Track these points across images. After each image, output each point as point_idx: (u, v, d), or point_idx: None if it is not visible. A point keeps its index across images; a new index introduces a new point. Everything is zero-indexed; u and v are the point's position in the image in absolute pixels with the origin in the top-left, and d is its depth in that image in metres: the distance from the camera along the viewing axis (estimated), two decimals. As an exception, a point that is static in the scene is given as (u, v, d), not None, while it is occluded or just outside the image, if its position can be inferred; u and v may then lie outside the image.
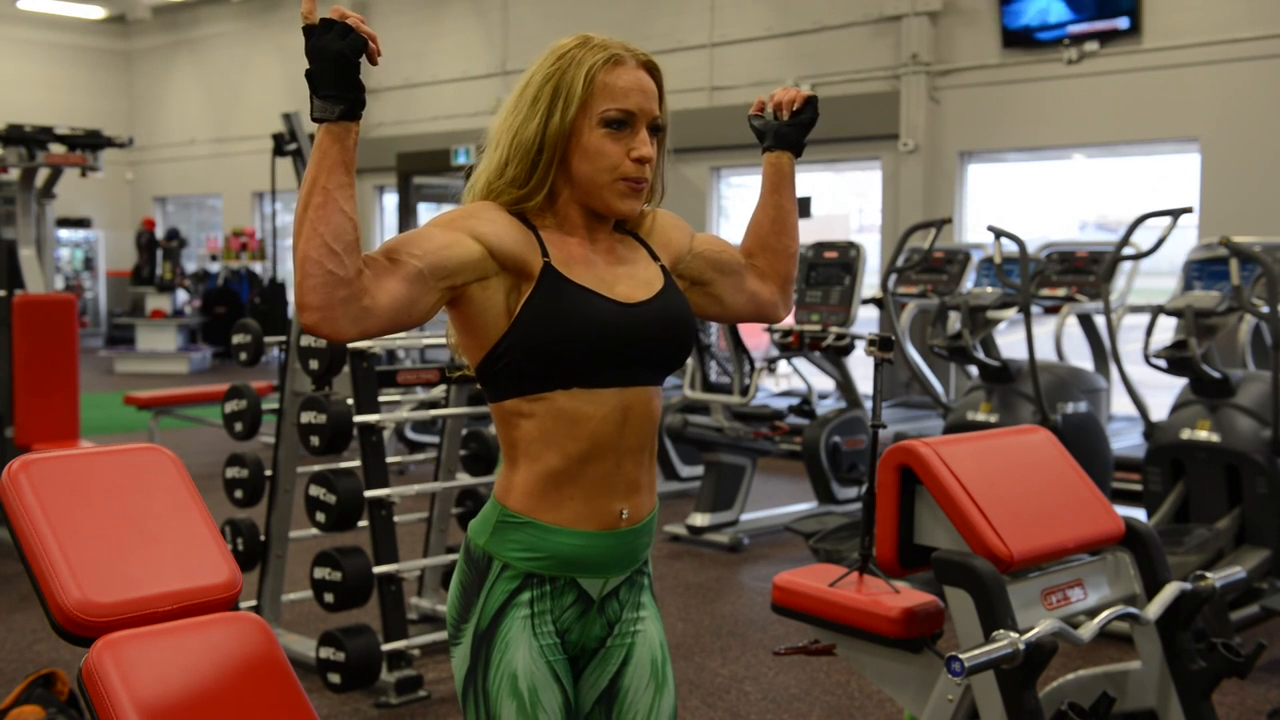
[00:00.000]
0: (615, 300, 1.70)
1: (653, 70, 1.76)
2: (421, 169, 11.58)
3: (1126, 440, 7.00)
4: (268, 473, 4.22)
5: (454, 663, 1.79)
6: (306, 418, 3.84)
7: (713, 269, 1.92)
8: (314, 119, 1.51)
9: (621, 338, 1.69)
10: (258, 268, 15.55)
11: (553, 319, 1.65)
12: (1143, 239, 5.53)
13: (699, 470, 6.87)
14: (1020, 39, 9.67)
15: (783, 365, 7.99)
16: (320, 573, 3.81)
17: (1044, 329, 6.78)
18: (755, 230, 2.01)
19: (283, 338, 4.33)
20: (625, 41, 1.76)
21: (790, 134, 1.99)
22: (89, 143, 6.99)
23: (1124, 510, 2.65)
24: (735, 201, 12.74)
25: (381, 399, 4.14)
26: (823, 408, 7.62)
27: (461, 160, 10.63)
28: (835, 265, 6.47)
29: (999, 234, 5.54)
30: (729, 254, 1.95)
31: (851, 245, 6.55)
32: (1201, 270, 5.55)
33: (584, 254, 1.73)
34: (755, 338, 8.22)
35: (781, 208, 2.01)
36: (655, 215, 1.87)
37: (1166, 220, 5.28)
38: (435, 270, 1.59)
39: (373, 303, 1.53)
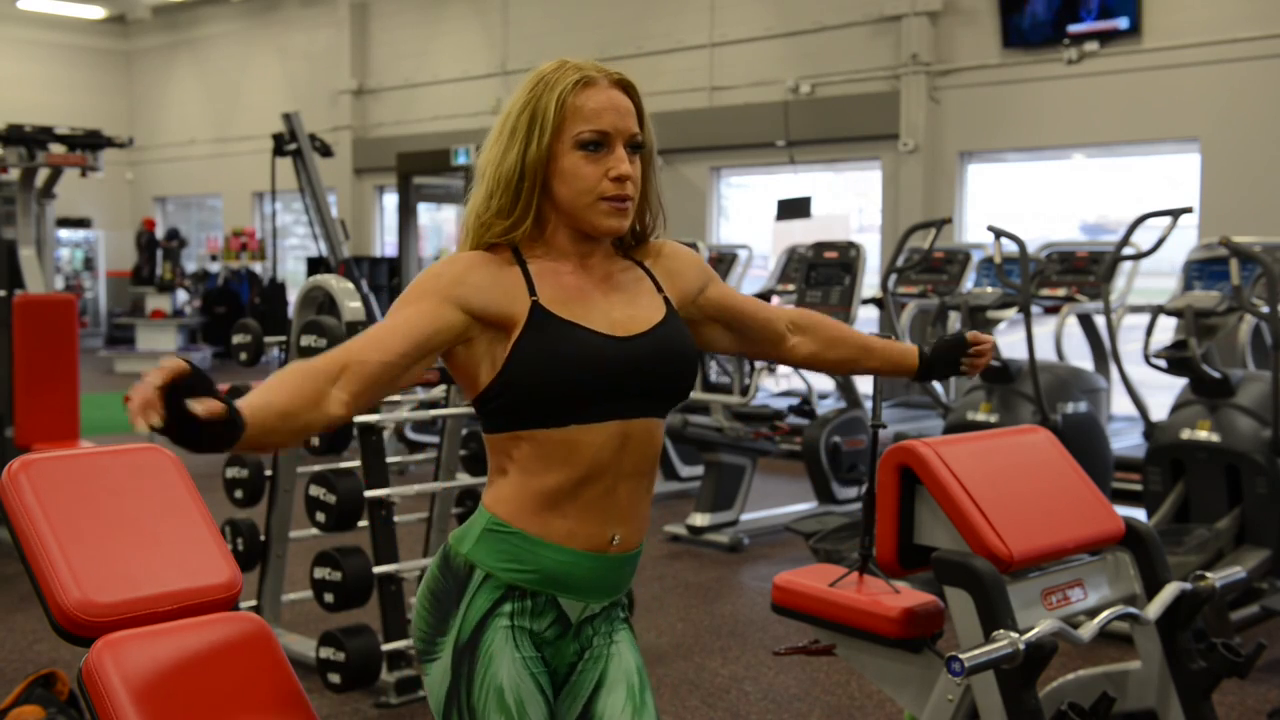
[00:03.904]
0: (607, 334, 1.70)
1: (628, 89, 1.73)
2: (421, 169, 11.56)
3: (1126, 440, 7.00)
4: (268, 473, 4.22)
5: (429, 680, 1.75)
6: (306, 418, 3.83)
7: (715, 318, 1.94)
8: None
9: (614, 373, 1.69)
10: (258, 268, 15.54)
11: (541, 361, 1.66)
12: (1143, 239, 5.53)
13: (699, 470, 6.87)
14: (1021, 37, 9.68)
15: (783, 365, 7.97)
16: (320, 573, 3.81)
17: (1044, 329, 6.78)
18: (838, 347, 2.13)
19: (283, 338, 4.33)
20: (600, 63, 1.74)
21: (948, 369, 2.23)
22: (89, 143, 6.99)
23: (1124, 510, 2.65)
24: (735, 201, 12.74)
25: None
26: (823, 408, 7.62)
27: (461, 160, 10.61)
28: (835, 265, 6.46)
29: (999, 234, 5.54)
30: (751, 313, 1.97)
31: (851, 245, 6.54)
32: (1201, 270, 5.55)
33: (577, 284, 1.73)
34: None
35: (865, 367, 2.20)
36: (663, 246, 1.86)
37: (1166, 220, 5.28)
38: (416, 351, 1.64)
39: (358, 403, 1.61)
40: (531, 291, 1.69)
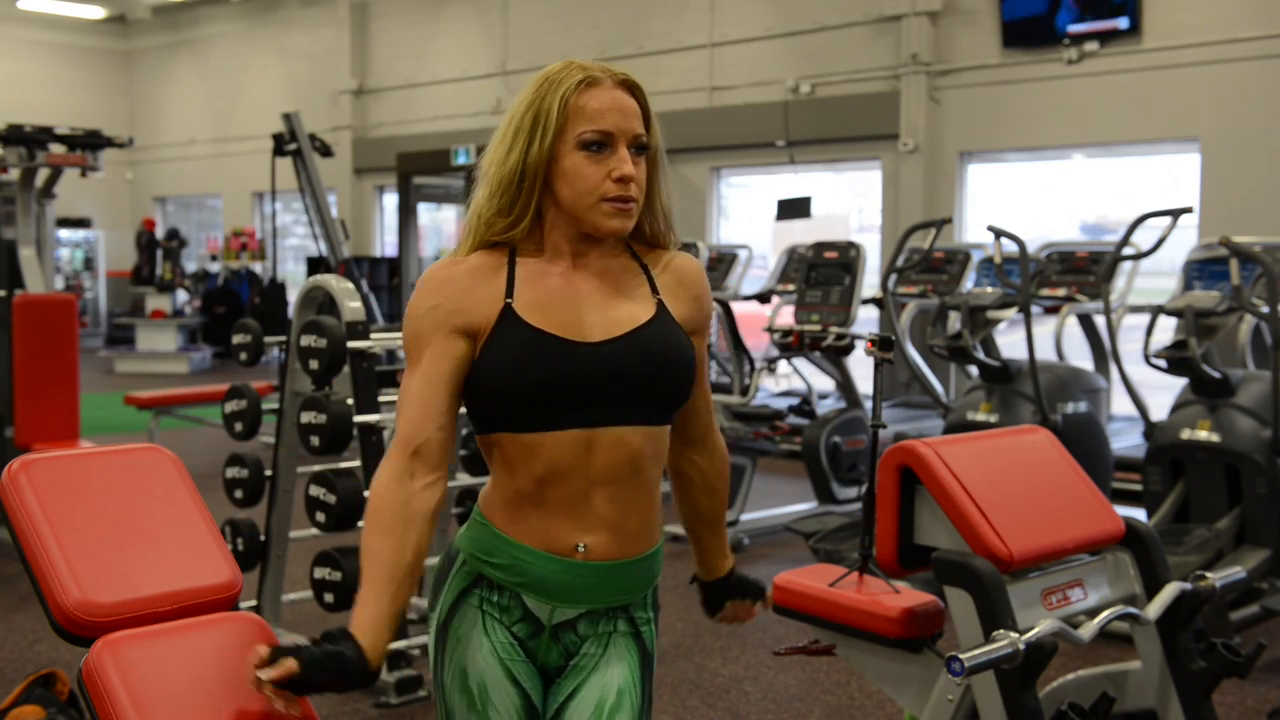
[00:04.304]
0: (577, 341, 1.68)
1: (634, 90, 1.71)
2: (421, 169, 11.56)
3: (1126, 440, 7.00)
4: (268, 473, 4.22)
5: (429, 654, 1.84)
6: (306, 418, 3.84)
7: None
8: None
9: (573, 382, 1.67)
10: (258, 268, 15.55)
11: (498, 368, 1.67)
12: (1143, 239, 5.53)
13: (699, 470, 6.86)
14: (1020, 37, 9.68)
15: (783, 365, 7.98)
16: (320, 573, 3.82)
17: (1044, 329, 6.78)
18: (710, 498, 2.01)
19: (283, 338, 4.33)
20: (607, 64, 1.73)
21: (719, 603, 2.10)
22: (89, 143, 6.99)
23: (1124, 510, 2.64)
24: (735, 201, 12.75)
25: (381, 399, 4.14)
26: (823, 408, 7.62)
27: (461, 160, 10.61)
28: (835, 265, 6.46)
29: (999, 234, 5.54)
30: (698, 396, 1.85)
31: (851, 245, 6.54)
32: (1201, 270, 5.56)
33: (563, 285, 1.71)
34: (755, 337, 8.23)
35: (695, 531, 2.09)
36: (677, 260, 1.80)
37: (1166, 220, 5.28)
38: (455, 395, 1.71)
39: (442, 470, 1.72)
40: (508, 293, 1.69)
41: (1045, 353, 5.91)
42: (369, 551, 1.65)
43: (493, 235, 1.72)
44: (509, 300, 1.69)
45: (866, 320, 8.09)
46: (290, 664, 1.55)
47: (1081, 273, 6.72)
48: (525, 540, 1.71)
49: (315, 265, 11.63)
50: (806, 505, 6.60)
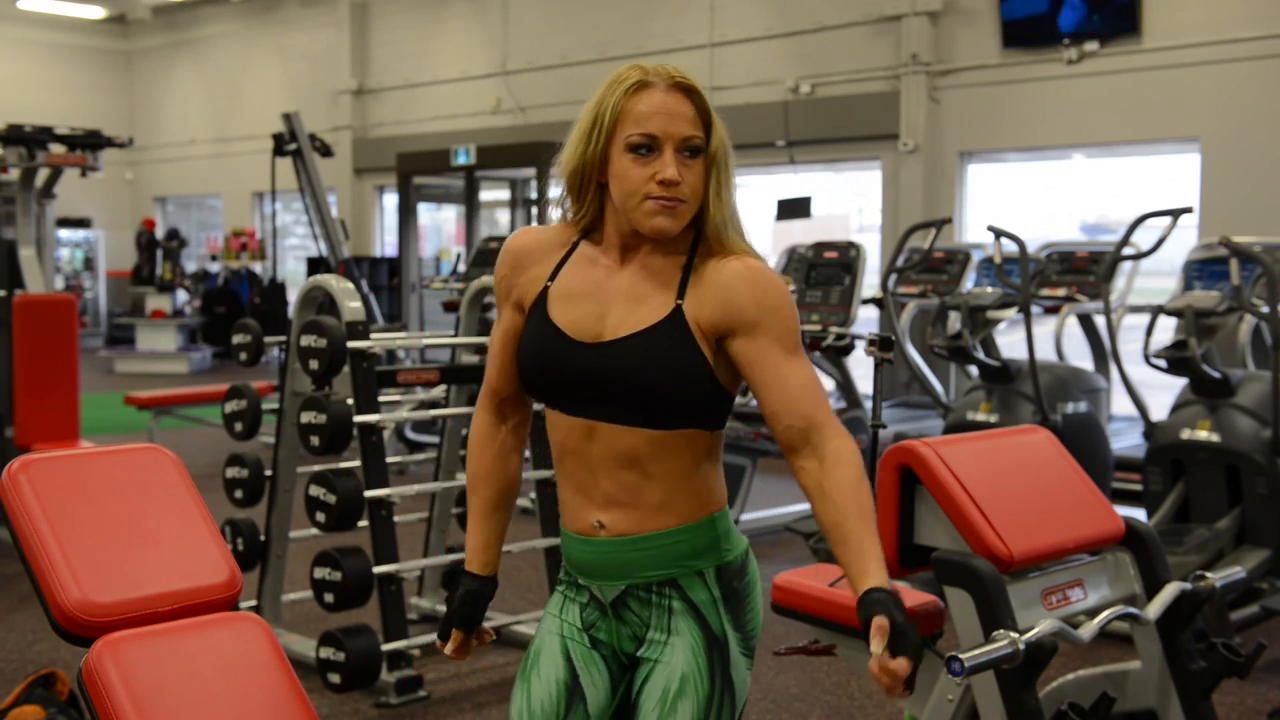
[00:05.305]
0: (579, 340, 1.75)
1: (690, 92, 1.74)
2: (421, 169, 11.55)
3: (1126, 440, 6.99)
4: (268, 473, 4.22)
5: None
6: (306, 418, 3.84)
7: (741, 372, 1.76)
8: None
9: (567, 379, 1.76)
10: (258, 268, 15.55)
11: (522, 349, 1.83)
12: (1143, 239, 5.53)
13: (699, 470, 6.85)
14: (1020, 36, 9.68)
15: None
16: (320, 573, 3.81)
17: (1044, 329, 6.78)
18: (818, 517, 1.79)
19: (283, 338, 4.33)
20: (670, 66, 1.76)
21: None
22: (89, 143, 6.99)
23: (1124, 510, 2.64)
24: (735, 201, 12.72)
25: (381, 399, 4.14)
26: (823, 408, 7.60)
27: (461, 160, 10.59)
28: (835, 265, 6.46)
29: (999, 234, 5.54)
30: (766, 391, 1.75)
31: (851, 245, 6.54)
32: (1201, 270, 5.56)
33: (601, 278, 1.78)
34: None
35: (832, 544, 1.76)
36: (728, 265, 1.73)
37: (1166, 220, 5.28)
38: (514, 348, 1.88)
39: (522, 416, 1.96)
40: (552, 276, 1.81)
41: (1045, 353, 5.91)
42: (473, 486, 1.93)
43: (570, 219, 1.84)
44: (549, 283, 1.80)
45: (866, 320, 8.08)
46: (458, 635, 1.89)
47: (1081, 273, 6.72)
48: (564, 523, 1.85)
49: (315, 265, 11.63)
50: (807, 505, 6.59)
